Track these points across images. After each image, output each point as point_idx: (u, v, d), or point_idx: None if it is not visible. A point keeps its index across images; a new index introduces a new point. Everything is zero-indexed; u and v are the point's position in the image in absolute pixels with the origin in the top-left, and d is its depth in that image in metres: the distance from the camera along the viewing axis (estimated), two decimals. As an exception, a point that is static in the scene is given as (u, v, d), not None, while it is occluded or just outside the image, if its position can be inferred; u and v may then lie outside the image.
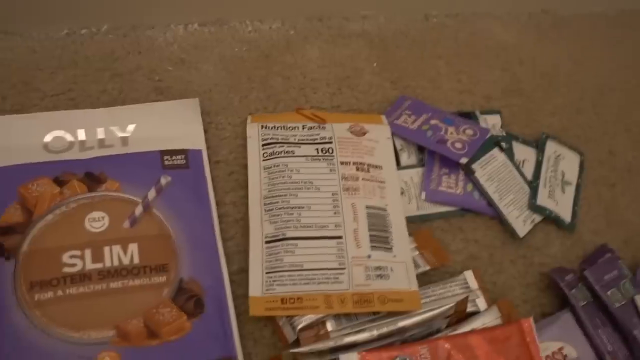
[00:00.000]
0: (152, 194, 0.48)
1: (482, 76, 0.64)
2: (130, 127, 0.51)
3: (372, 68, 0.62)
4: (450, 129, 0.56)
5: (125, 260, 0.44)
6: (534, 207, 0.55)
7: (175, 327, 0.43)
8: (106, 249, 0.44)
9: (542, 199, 0.56)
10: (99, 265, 0.44)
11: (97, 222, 0.45)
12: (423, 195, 0.54)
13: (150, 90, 0.55)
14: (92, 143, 0.50)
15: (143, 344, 0.42)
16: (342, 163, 0.52)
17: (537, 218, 0.55)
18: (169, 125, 0.52)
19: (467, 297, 0.46)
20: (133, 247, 0.45)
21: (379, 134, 0.55)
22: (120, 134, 0.51)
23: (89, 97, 0.54)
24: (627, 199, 0.60)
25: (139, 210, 0.47)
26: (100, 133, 0.50)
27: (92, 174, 0.48)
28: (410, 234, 0.51)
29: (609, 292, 0.50)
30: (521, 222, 0.54)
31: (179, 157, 0.50)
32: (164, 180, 0.48)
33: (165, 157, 0.50)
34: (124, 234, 0.45)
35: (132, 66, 0.56)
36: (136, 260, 0.45)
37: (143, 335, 0.42)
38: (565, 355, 0.47)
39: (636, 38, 0.74)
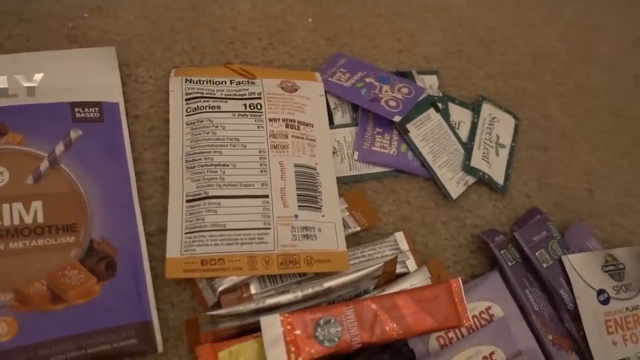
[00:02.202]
0: (60, 148, 0.44)
1: (422, 36, 0.63)
2: (38, 76, 0.46)
3: (307, 23, 0.59)
4: (385, 87, 0.54)
5: (28, 219, 0.41)
6: (467, 168, 0.54)
7: (82, 290, 0.40)
8: (5, 207, 0.40)
9: (476, 161, 0.55)
10: (-4, 224, 0.40)
11: (-6, 177, 0.41)
12: (356, 155, 0.52)
13: (62, 38, 0.51)
14: (-7, 92, 0.45)
15: (45, 308, 0.38)
16: (270, 120, 0.49)
17: (471, 180, 0.55)
18: (81, 75, 0.47)
19: (395, 258, 0.45)
20: (37, 205, 0.41)
21: (312, 91, 0.53)
22: (26, 84, 0.46)
23: (-8, 44, 0.49)
24: (559, 163, 0.60)
25: (44, 165, 0.43)
26: (3, 82, 0.45)
27: (-9, 125, 0.43)
28: (341, 195, 0.50)
29: (537, 253, 0.51)
30: (454, 183, 0.54)
31: (92, 109, 0.46)
32: (74, 134, 0.44)
33: (77, 110, 0.46)
34: (26, 190, 0.41)
35: (42, 10, 0.51)
36: (40, 219, 0.41)
37: (46, 299, 0.39)
38: (492, 315, 0.47)
39: (573, 6, 0.74)
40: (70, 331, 0.38)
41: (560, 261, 0.51)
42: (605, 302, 0.50)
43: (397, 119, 0.52)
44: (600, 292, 0.51)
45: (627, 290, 0.52)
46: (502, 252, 0.50)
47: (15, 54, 0.47)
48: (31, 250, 0.40)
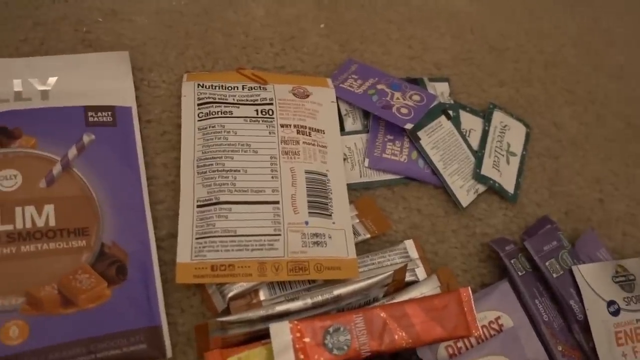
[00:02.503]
0: (72, 152, 0.44)
1: (433, 43, 0.63)
2: (52, 80, 0.47)
3: (319, 29, 0.59)
4: (397, 95, 0.54)
5: (40, 223, 0.41)
6: (478, 176, 0.54)
7: (93, 294, 0.40)
8: (18, 210, 0.41)
9: (487, 169, 0.55)
10: (8, 227, 0.40)
11: (8, 180, 0.41)
12: (366, 162, 0.52)
13: (76, 42, 0.51)
14: (7, 95, 0.45)
15: (56, 312, 0.39)
16: (282, 126, 0.49)
17: (481, 188, 0.54)
18: (95, 79, 0.48)
19: (405, 266, 0.45)
20: (49, 209, 0.41)
21: (323, 97, 0.53)
22: (40, 87, 0.46)
23: (7, 47, 0.49)
24: (569, 172, 0.60)
25: (57, 169, 0.43)
26: (17, 85, 0.46)
27: (5, 128, 0.43)
28: (351, 202, 0.50)
29: (547, 263, 0.50)
30: (465, 192, 0.53)
31: (105, 113, 0.46)
32: (86, 138, 0.45)
33: (90, 114, 0.46)
34: (39, 194, 0.42)
35: (57, 15, 0.52)
36: (52, 223, 0.41)
37: (57, 303, 0.39)
38: (502, 325, 0.47)
39: (585, 14, 0.73)
40: (80, 335, 0.38)
41: (571, 271, 0.51)
42: (615, 313, 0.50)
43: (408, 126, 0.51)
44: (611, 303, 0.50)
45: (637, 301, 0.51)
46: (512, 261, 0.50)
47: (30, 57, 0.48)
48: (43, 253, 0.40)
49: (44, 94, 0.46)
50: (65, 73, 0.47)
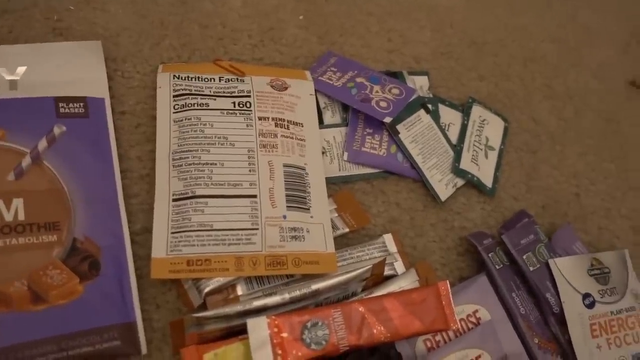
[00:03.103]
0: (42, 144, 0.42)
1: (413, 36, 0.62)
2: (20, 70, 0.45)
3: (298, 21, 0.58)
4: (376, 88, 0.53)
5: (8, 217, 0.39)
6: (456, 170, 0.54)
7: (64, 290, 0.39)
8: (-16, 204, 0.39)
9: (465, 163, 0.55)
10: (-25, 222, 0.39)
11: (-26, 173, 0.40)
12: (345, 156, 0.51)
13: (47, 31, 0.49)
14: (-27, 85, 0.44)
15: (26, 309, 0.37)
16: (260, 118, 0.49)
17: (460, 182, 0.54)
18: (66, 69, 0.46)
19: (384, 260, 0.45)
20: (18, 202, 0.40)
21: (302, 89, 0.52)
22: (8, 77, 0.45)
23: (-26, 35, 0.47)
24: (547, 166, 0.60)
25: (26, 161, 0.42)
26: (-16, 75, 0.44)
27: (-30, 119, 0.42)
28: (330, 196, 0.49)
29: (524, 256, 0.51)
30: (443, 185, 0.53)
31: (76, 104, 0.45)
32: (57, 130, 0.43)
33: (61, 104, 0.45)
34: (7, 187, 0.40)
35: (27, 2, 0.50)
36: (21, 217, 0.40)
37: (26, 299, 0.38)
38: (479, 318, 0.47)
39: (566, 10, 0.74)
40: (51, 332, 0.37)
41: (547, 265, 0.51)
42: (590, 305, 0.51)
43: (387, 120, 0.51)
44: (586, 295, 0.51)
45: (611, 294, 0.52)
46: (489, 255, 0.50)
47: (-2, 46, 0.46)
48: (11, 248, 0.39)
49: (13, 84, 0.45)
50: (35, 62, 0.46)
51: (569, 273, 0.51)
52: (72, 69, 0.47)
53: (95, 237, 0.41)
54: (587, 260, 0.53)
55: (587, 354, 0.49)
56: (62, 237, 0.40)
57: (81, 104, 0.45)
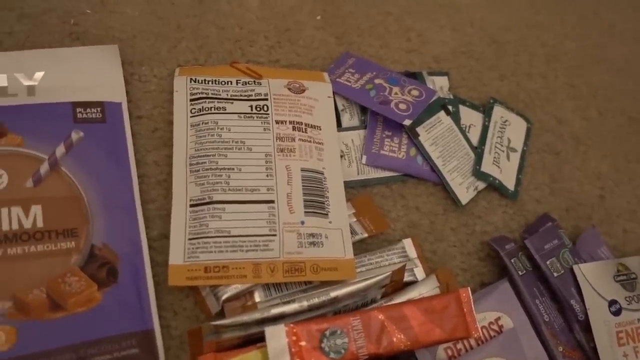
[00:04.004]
0: (60, 150, 0.42)
1: (432, 36, 0.61)
2: (38, 75, 0.45)
3: (316, 22, 0.57)
4: (395, 89, 0.52)
5: (27, 224, 0.39)
6: (478, 173, 0.53)
7: (83, 298, 0.39)
8: (3, 211, 0.39)
9: (487, 166, 0.54)
10: (-6, 229, 0.39)
11: (-7, 180, 0.40)
12: (364, 159, 0.51)
13: (64, 35, 0.49)
14: (-8, 91, 0.44)
15: (45, 317, 0.37)
16: (277, 122, 0.48)
17: (481, 185, 0.53)
18: (83, 74, 0.46)
19: (404, 266, 0.44)
20: (36, 209, 0.40)
21: (319, 92, 0.51)
22: (26, 82, 0.45)
23: (-8, 40, 0.47)
24: (571, 168, 0.59)
25: (44, 168, 0.41)
26: (2, 80, 0.44)
27: (-11, 125, 0.42)
28: (348, 200, 0.49)
29: (548, 262, 0.49)
30: (464, 189, 0.52)
31: (94, 110, 0.45)
32: (75, 136, 0.43)
33: (78, 110, 0.44)
34: (25, 194, 0.40)
35: (44, 6, 0.50)
36: (40, 224, 0.40)
37: (45, 307, 0.38)
38: (502, 326, 0.46)
39: (586, 6, 0.72)
40: (69, 340, 0.37)
41: (572, 270, 0.50)
42: (616, 312, 0.49)
43: (407, 122, 0.50)
44: (612, 302, 0.49)
45: (639, 300, 0.51)
46: (512, 260, 0.49)
47: (16, 51, 0.46)
48: (30, 256, 0.39)
49: (30, 90, 0.45)
50: (52, 68, 0.46)
51: (595, 279, 0.50)
52: (89, 74, 0.46)
53: (113, 244, 0.41)
54: (613, 266, 0.51)
55: (613, 362, 0.48)
56: (80, 244, 0.40)
57: (98, 109, 0.45)
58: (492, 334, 0.45)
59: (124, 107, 0.46)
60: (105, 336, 0.38)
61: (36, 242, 0.39)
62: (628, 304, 0.50)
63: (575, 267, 0.50)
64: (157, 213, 0.45)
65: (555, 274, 0.49)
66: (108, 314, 0.39)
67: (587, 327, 0.48)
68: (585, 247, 0.53)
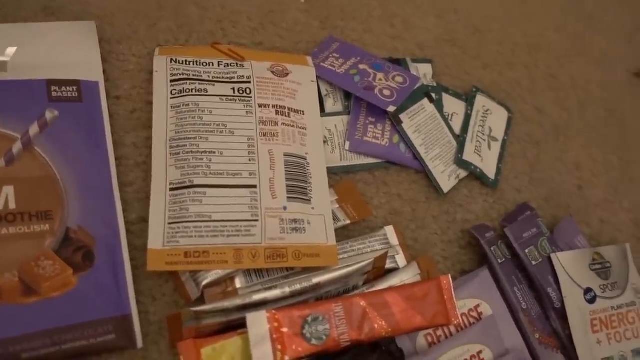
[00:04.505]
0: (34, 129, 0.41)
1: (416, 22, 0.61)
2: (10, 50, 0.43)
3: (299, 4, 0.56)
4: (379, 75, 0.52)
5: (-2, 205, 0.38)
6: (459, 162, 0.53)
7: (57, 282, 0.37)
8: (-27, 191, 0.38)
9: (468, 154, 0.54)
10: (-37, 210, 0.37)
11: (-38, 159, 0.38)
12: (347, 145, 0.50)
13: (38, 10, 0.47)
14: (-39, 66, 0.42)
15: (17, 301, 0.36)
16: (260, 105, 0.47)
17: (462, 173, 0.53)
18: (58, 51, 0.44)
19: (386, 253, 0.44)
20: (8, 190, 0.39)
21: (303, 76, 0.50)
22: (-2, 58, 0.43)
23: (-39, 13, 0.45)
24: (550, 158, 0.59)
25: (17, 147, 0.40)
26: (-28, 55, 0.42)
27: (-42, 102, 0.40)
28: (331, 186, 0.48)
29: (526, 250, 0.50)
30: (446, 177, 0.52)
31: (69, 88, 0.43)
32: (49, 115, 0.41)
33: (53, 88, 0.43)
34: (-3, 174, 0.39)
35: (16, -21, 0.48)
36: (12, 206, 0.38)
37: (17, 291, 0.36)
38: (481, 313, 0.46)
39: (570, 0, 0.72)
40: (43, 326, 0.36)
41: (549, 259, 0.51)
42: (591, 300, 0.50)
43: (391, 109, 0.50)
44: (587, 290, 0.50)
45: (612, 289, 0.52)
46: (492, 248, 0.49)
47: (-13, 25, 0.44)
48: (1, 238, 0.37)
49: (2, 65, 0.43)
50: (26, 43, 0.44)
51: (571, 268, 0.51)
52: (64, 51, 0.45)
53: (89, 227, 0.40)
54: (589, 255, 0.52)
55: (588, 349, 0.48)
56: (54, 227, 0.39)
57: (74, 88, 0.43)
58: (472, 321, 0.46)
59: (101, 86, 0.45)
60: (81, 322, 0.37)
61: (8, 225, 0.38)
62: (602, 292, 0.51)
63: (552, 256, 0.50)
64: (136, 196, 0.43)
65: (534, 262, 0.50)
66: (84, 298, 0.37)
67: (563, 315, 0.49)
68: (562, 236, 0.54)
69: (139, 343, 0.39)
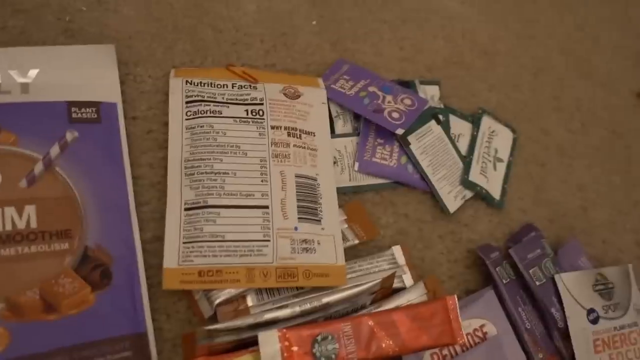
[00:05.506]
0: (55, 150, 0.42)
1: (425, 45, 0.62)
2: (32, 72, 0.45)
3: (312, 27, 0.58)
4: (388, 98, 0.53)
5: (20, 224, 0.39)
6: (465, 182, 0.54)
7: (76, 300, 0.39)
8: (-3, 211, 0.39)
9: (474, 175, 0.55)
10: (-13, 229, 0.38)
11: (-14, 179, 0.40)
12: (356, 166, 0.51)
13: (59, 32, 0.49)
14: (-15, 88, 0.43)
15: (38, 318, 0.37)
16: (272, 127, 0.48)
17: (468, 194, 0.55)
18: (78, 73, 0.46)
19: (393, 274, 0.45)
20: (30, 210, 0.40)
21: (314, 97, 0.52)
22: (20, 80, 0.44)
23: (-16, 35, 0.47)
24: (555, 179, 0.61)
25: (38, 168, 0.41)
26: (-5, 77, 0.44)
27: (-18, 123, 0.41)
28: (340, 206, 0.49)
29: (531, 271, 0.51)
30: (452, 197, 0.53)
31: (89, 109, 0.45)
32: (69, 136, 0.43)
33: (73, 109, 0.44)
34: (19, 194, 0.40)
35: (38, 2, 0.49)
36: (33, 225, 0.40)
37: (38, 308, 0.38)
38: (486, 333, 0.47)
39: (576, 21, 0.74)
40: (62, 343, 0.37)
41: (553, 279, 0.52)
42: (594, 321, 0.51)
43: (399, 131, 0.51)
44: (590, 311, 0.51)
45: (615, 309, 0.53)
46: (497, 269, 0.50)
47: (10, 47, 0.46)
48: (23, 257, 0.38)
49: (24, 87, 0.44)
50: (47, 65, 0.45)
51: (575, 288, 0.51)
52: (84, 73, 0.46)
53: (107, 246, 0.41)
54: (592, 276, 0.53)
55: (590, 369, 0.49)
56: (73, 246, 0.40)
57: (94, 109, 0.45)
58: (477, 340, 0.47)
59: (119, 107, 0.46)
60: (99, 339, 0.38)
61: (29, 243, 0.39)
62: (605, 313, 0.52)
63: (556, 277, 0.51)
64: (151, 216, 0.45)
65: (538, 283, 0.51)
66: (101, 316, 0.39)
67: (566, 335, 0.50)
68: (566, 257, 0.55)
69: (154, 360, 0.40)
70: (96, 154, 0.44)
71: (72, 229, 0.40)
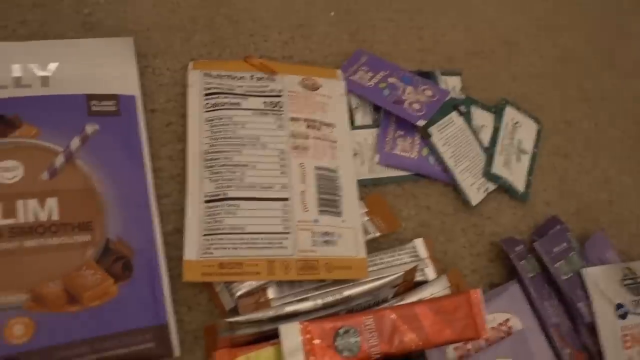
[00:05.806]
0: (75, 143, 0.42)
1: (445, 35, 0.61)
2: (52, 66, 0.45)
3: (329, 18, 0.57)
4: (409, 89, 0.52)
5: (43, 216, 0.39)
6: (488, 175, 0.53)
7: (99, 291, 0.39)
8: (19, 203, 0.39)
9: (497, 167, 0.54)
10: (10, 221, 0.38)
11: (9, 172, 0.40)
12: (377, 158, 0.51)
13: (77, 25, 0.49)
14: (6, 81, 0.43)
15: (61, 309, 0.37)
16: (291, 119, 0.48)
17: (491, 186, 0.53)
18: (97, 65, 0.46)
19: (416, 267, 0.44)
20: (52, 202, 0.40)
21: (333, 89, 0.51)
22: (40, 73, 0.44)
23: (4, 29, 0.47)
24: (580, 171, 0.59)
25: (59, 160, 0.41)
26: (16, 70, 0.44)
27: (3, 116, 0.41)
28: (360, 199, 0.49)
29: (557, 265, 0.50)
30: (475, 190, 0.52)
31: (108, 102, 0.45)
32: (90, 128, 0.43)
33: (93, 102, 0.44)
34: (41, 186, 0.40)
35: (57, -5, 0.49)
36: (55, 217, 0.40)
37: (62, 300, 0.38)
38: (511, 327, 0.46)
39: (598, 9, 0.72)
40: (85, 334, 0.37)
41: (579, 273, 0.50)
42: (623, 316, 0.50)
43: (420, 123, 0.50)
44: (619, 306, 0.50)
45: (644, 304, 0.51)
46: (521, 262, 0.49)
47: (29, 41, 0.46)
48: (46, 248, 0.39)
49: (44, 81, 0.44)
50: (66, 58, 0.45)
51: (602, 283, 0.50)
52: (103, 66, 0.46)
53: (128, 238, 0.41)
54: (620, 270, 0.52)
55: (619, 365, 0.48)
56: (95, 238, 0.40)
57: (113, 102, 0.45)
58: (501, 334, 0.46)
59: (138, 100, 0.46)
60: (121, 330, 0.38)
61: (52, 235, 0.39)
62: (634, 308, 0.50)
63: (583, 271, 0.50)
64: (172, 208, 0.45)
65: (564, 277, 0.50)
66: (123, 308, 0.39)
67: (593, 330, 0.49)
68: (593, 251, 0.53)
69: (176, 351, 0.40)
70: (116, 146, 0.43)
71: (93, 221, 0.40)
